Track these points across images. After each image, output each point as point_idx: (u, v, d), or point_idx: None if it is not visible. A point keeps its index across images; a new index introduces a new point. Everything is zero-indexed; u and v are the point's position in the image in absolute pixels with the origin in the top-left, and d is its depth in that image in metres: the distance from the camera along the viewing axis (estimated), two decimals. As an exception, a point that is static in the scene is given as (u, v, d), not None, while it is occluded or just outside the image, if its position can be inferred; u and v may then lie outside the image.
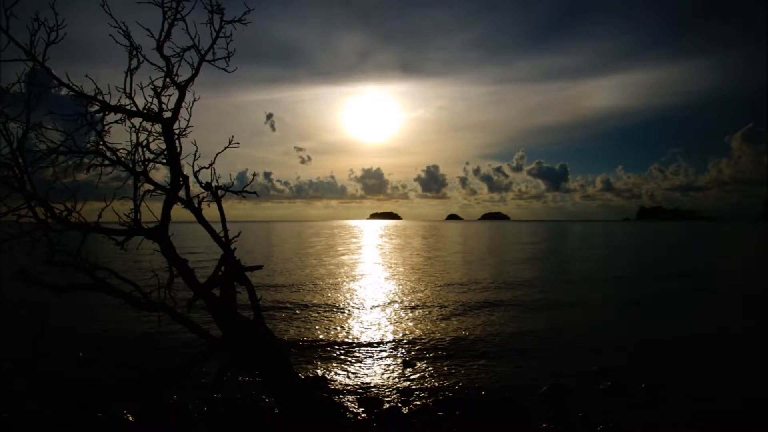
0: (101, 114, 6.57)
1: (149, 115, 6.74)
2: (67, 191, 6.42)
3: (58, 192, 6.44)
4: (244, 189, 7.36)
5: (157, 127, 6.86)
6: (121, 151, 6.82)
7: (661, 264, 39.86)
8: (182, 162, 7.03)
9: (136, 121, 6.78)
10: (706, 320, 16.98)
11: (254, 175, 7.89)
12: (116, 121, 6.71)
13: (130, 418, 8.27)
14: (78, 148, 6.62)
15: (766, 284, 26.90)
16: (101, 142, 6.71)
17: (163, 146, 6.90)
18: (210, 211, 7.34)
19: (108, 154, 6.77)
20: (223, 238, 7.24)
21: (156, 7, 6.42)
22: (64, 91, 6.33)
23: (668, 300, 21.40)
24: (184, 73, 6.82)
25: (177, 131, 6.90)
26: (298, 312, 18.58)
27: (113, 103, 6.52)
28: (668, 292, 23.48)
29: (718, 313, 18.29)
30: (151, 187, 6.98)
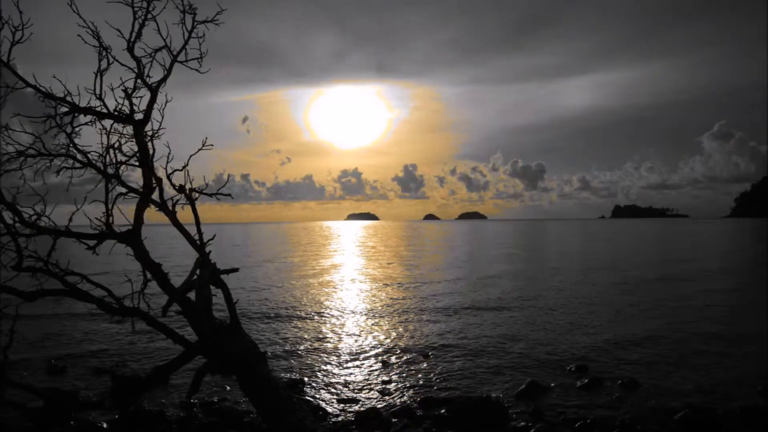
0: (71, 116, 6.44)
1: (120, 117, 6.64)
2: (37, 195, 6.28)
3: (27, 196, 6.30)
4: (218, 191, 7.29)
5: (129, 129, 6.76)
6: (93, 153, 6.71)
7: (634, 261, 40.48)
8: (156, 164, 6.94)
9: (107, 123, 6.68)
10: (682, 317, 17.28)
11: (229, 176, 7.83)
12: (87, 123, 6.59)
13: (104, 426, 8.11)
14: (47, 150, 6.49)
15: (745, 282, 27.42)
16: (71, 145, 6.58)
17: (136, 148, 6.80)
18: (186, 214, 7.25)
19: (79, 156, 6.65)
20: (198, 241, 7.16)
21: (126, 6, 6.33)
22: (31, 92, 6.20)
23: (643, 297, 21.75)
24: (155, 74, 6.75)
25: (149, 133, 6.81)
26: (275, 315, 18.44)
27: (83, 104, 6.41)
28: (643, 290, 23.87)
29: (694, 310, 18.61)
30: (124, 190, 6.88)
